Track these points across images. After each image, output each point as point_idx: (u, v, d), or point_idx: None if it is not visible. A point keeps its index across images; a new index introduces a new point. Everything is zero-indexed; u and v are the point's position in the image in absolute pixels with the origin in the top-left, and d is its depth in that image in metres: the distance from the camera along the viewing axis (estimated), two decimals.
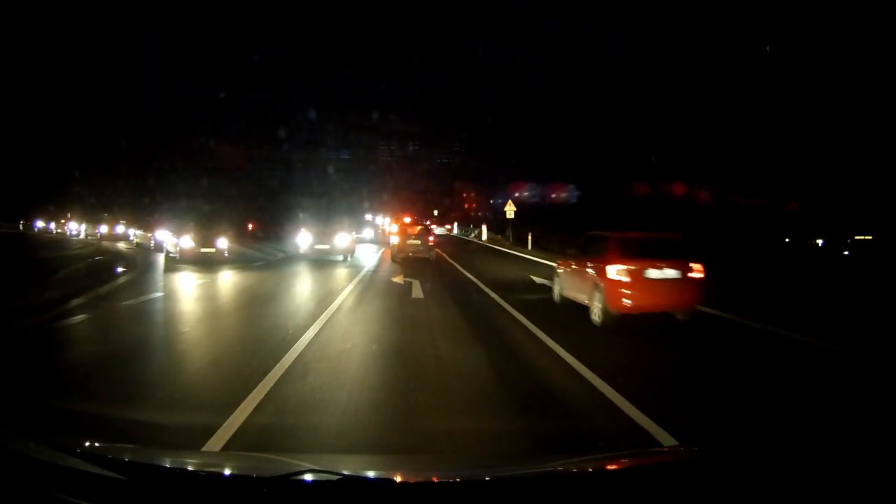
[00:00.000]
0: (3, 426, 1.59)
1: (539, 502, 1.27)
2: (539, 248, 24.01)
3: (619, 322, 6.66)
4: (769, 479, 1.31)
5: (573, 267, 8.14)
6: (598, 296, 6.95)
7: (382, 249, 21.80)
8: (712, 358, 5.64)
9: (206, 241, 16.17)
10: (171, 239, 17.88)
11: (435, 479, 1.52)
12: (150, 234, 23.87)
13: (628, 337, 6.34)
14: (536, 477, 1.45)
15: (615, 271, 6.72)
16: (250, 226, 33.09)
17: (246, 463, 1.84)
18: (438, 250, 19.32)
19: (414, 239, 17.91)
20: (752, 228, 21.75)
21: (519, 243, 29.86)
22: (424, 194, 65.94)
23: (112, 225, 35.12)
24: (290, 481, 1.29)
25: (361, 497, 1.28)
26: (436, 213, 62.42)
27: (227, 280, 12.71)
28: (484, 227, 33.08)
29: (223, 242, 16.54)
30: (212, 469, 1.58)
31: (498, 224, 34.76)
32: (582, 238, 8.33)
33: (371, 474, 1.55)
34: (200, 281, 12.08)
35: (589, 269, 7.34)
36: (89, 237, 35.74)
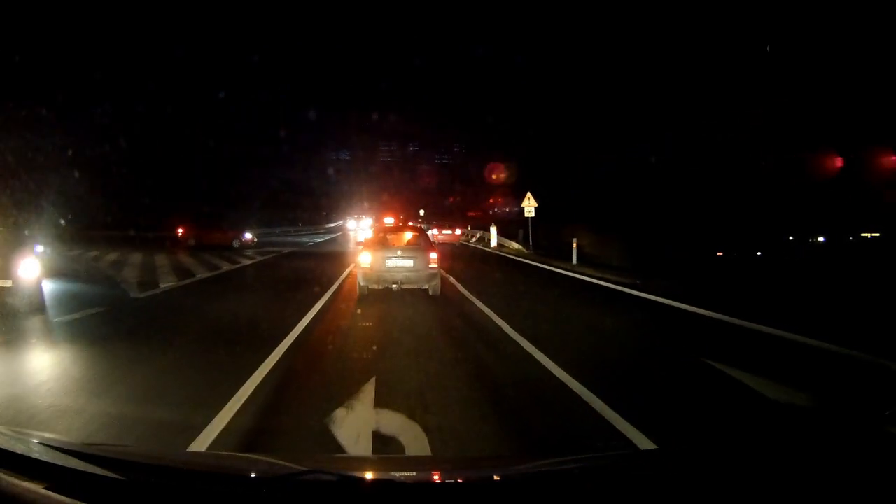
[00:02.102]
0: (4, 426, 1.58)
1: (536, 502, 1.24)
2: (586, 261, 15.95)
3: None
4: (745, 482, 1.29)
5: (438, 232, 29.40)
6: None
7: (350, 268, 13.39)
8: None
9: None
10: None
11: (433, 480, 1.53)
12: None
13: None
14: (528, 477, 1.44)
15: (434, 231, 28.28)
16: (180, 231, 24.48)
17: (245, 464, 1.72)
18: (444, 272, 11.02)
19: (402, 256, 9.60)
20: (760, 225, 23.75)
21: (541, 250, 21.82)
22: (419, 194, 59.18)
23: None
24: (288, 482, 1.29)
25: (358, 498, 1.25)
26: (422, 212, 54.07)
27: None
28: (493, 230, 24.72)
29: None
30: (211, 470, 1.55)
31: (506, 225, 26.73)
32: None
33: (367, 475, 1.51)
34: None
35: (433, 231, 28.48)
36: None
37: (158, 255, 17.42)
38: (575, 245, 15.83)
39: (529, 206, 21.21)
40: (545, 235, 22.44)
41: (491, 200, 49.17)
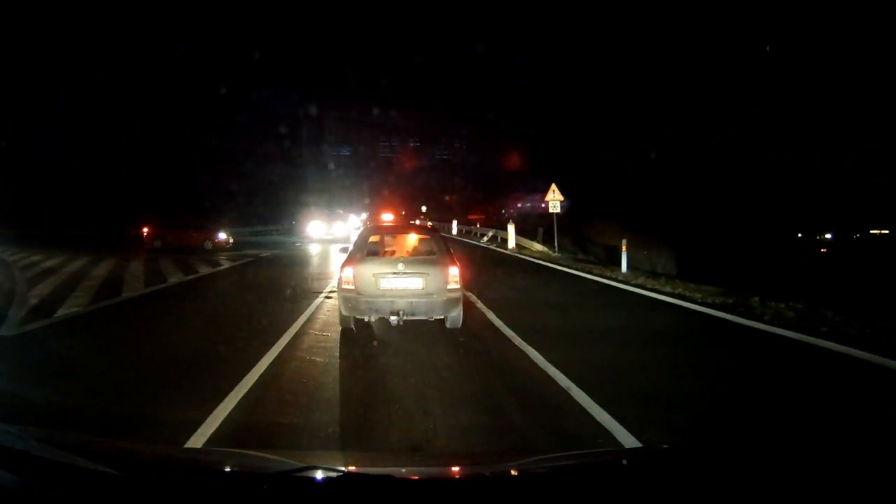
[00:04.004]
0: (5, 424, 1.52)
1: (530, 500, 1.21)
2: (638, 268, 12.61)
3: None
4: (733, 481, 1.26)
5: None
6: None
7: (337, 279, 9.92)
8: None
9: None
10: None
11: (437, 477, 1.49)
12: None
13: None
14: (523, 475, 1.39)
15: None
16: (145, 231, 21.03)
17: (246, 461, 1.66)
18: (470, 294, 7.51)
19: (405, 272, 6.17)
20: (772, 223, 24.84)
21: (569, 252, 18.46)
22: (420, 190, 56.07)
23: None
24: (289, 478, 1.26)
25: (354, 493, 1.21)
26: (424, 209, 50.59)
27: None
28: (511, 229, 21.25)
29: None
30: (212, 466, 1.52)
31: (516, 222, 23.39)
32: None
33: (370, 471, 1.47)
34: None
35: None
36: None
37: (107, 262, 14.10)
38: (625, 249, 12.41)
39: (554, 200, 17.91)
40: (562, 234, 19.19)
41: (495, 202, 46.04)
